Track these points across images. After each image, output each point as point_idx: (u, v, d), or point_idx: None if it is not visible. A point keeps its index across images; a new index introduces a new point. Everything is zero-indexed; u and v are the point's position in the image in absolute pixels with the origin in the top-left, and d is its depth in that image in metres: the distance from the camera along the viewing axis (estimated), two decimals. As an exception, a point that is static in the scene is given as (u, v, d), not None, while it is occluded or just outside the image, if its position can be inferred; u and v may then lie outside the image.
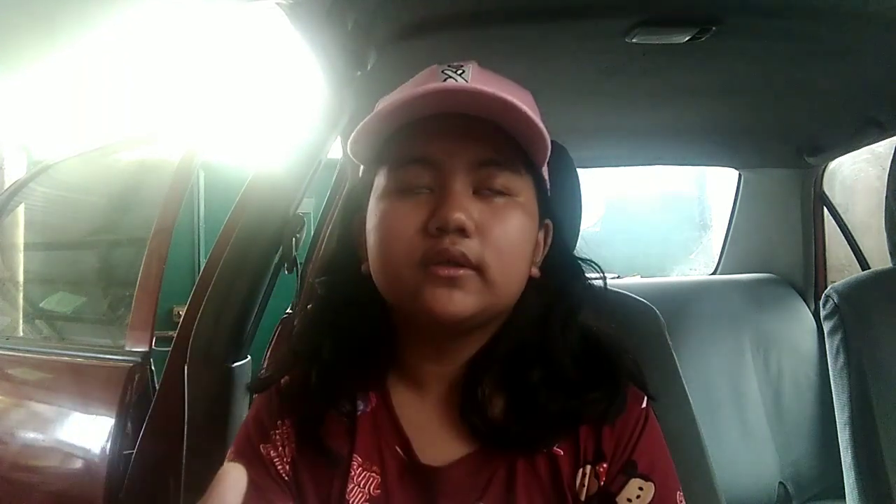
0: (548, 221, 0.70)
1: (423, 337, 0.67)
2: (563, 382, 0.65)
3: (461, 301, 0.60)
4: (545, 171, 0.70)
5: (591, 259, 0.73)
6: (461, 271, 0.60)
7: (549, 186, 0.70)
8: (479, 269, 0.60)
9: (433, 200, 0.61)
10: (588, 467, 0.66)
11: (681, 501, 0.67)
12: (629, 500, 0.65)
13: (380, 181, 0.65)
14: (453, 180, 0.61)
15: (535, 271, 0.68)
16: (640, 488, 0.65)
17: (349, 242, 0.70)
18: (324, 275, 0.73)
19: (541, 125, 0.60)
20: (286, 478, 0.67)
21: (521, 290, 0.65)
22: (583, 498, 0.65)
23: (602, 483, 0.65)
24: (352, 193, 0.72)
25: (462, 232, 0.59)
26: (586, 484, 0.65)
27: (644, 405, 0.69)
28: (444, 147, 0.62)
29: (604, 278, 0.73)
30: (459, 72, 0.64)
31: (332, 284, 0.72)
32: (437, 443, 0.66)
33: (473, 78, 0.64)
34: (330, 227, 1.76)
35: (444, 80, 0.64)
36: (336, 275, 0.72)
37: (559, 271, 0.70)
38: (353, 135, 0.63)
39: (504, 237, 0.62)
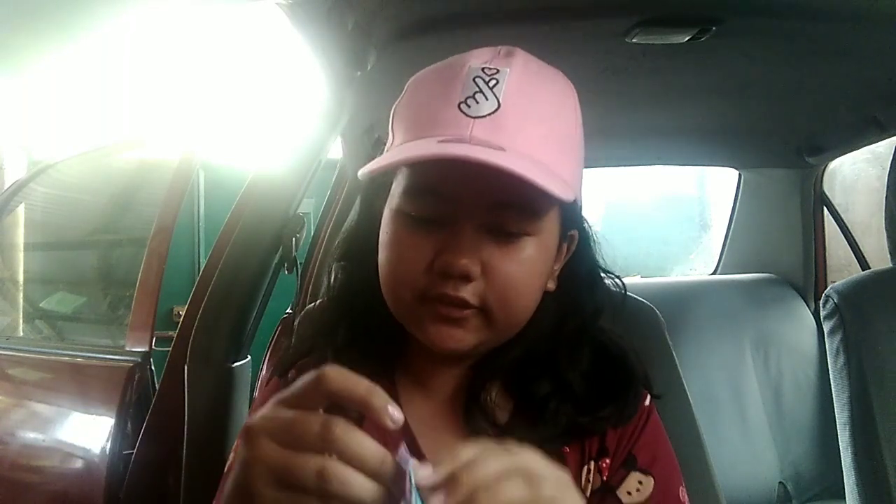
0: (573, 232, 0.68)
1: None
2: (572, 397, 0.65)
3: (461, 338, 0.61)
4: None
5: (612, 272, 0.72)
6: (464, 312, 0.60)
7: (580, 197, 0.66)
8: (481, 309, 0.60)
9: (443, 237, 0.59)
10: (592, 463, 0.66)
11: (683, 497, 0.68)
12: (629, 493, 0.65)
13: (396, 191, 0.63)
14: (464, 221, 0.58)
15: (552, 286, 0.66)
16: (640, 482, 0.66)
17: (369, 231, 0.67)
18: (342, 260, 0.73)
19: (552, 190, 0.55)
20: None
21: (530, 315, 0.64)
22: (587, 493, 0.65)
23: (605, 478, 0.66)
24: (372, 184, 0.69)
25: (466, 278, 0.58)
26: (591, 479, 0.66)
27: (647, 402, 0.70)
28: (461, 181, 0.58)
29: (623, 288, 0.72)
30: (492, 83, 0.58)
31: (350, 271, 0.71)
32: (442, 442, 0.65)
33: (508, 90, 0.58)
34: (333, 220, 1.75)
35: (473, 93, 0.58)
36: (354, 262, 0.71)
37: (576, 282, 0.68)
38: (369, 167, 0.60)
39: (511, 279, 0.60)
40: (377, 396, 0.43)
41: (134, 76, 3.85)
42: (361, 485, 0.42)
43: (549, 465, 0.45)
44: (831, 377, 1.28)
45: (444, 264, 0.58)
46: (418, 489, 0.43)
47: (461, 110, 0.58)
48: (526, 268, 0.60)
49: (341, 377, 0.44)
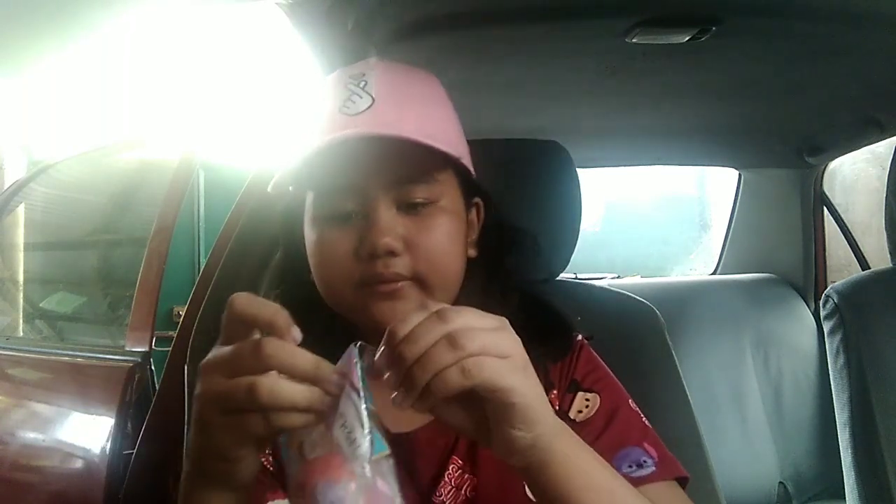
0: (477, 200, 0.74)
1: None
2: None
3: (404, 311, 0.63)
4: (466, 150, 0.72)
5: (525, 228, 0.78)
6: (399, 284, 0.64)
7: (472, 169, 0.71)
8: (415, 279, 0.65)
9: (361, 225, 0.64)
10: None
11: (634, 406, 0.73)
12: (579, 411, 0.71)
13: (309, 204, 0.68)
14: (376, 204, 0.64)
15: (472, 252, 0.72)
16: (587, 399, 0.72)
17: (297, 253, 0.72)
18: (279, 286, 0.77)
19: (436, 145, 0.61)
20: (271, 469, 0.68)
21: (461, 278, 0.69)
22: None
23: (557, 408, 0.71)
24: (289, 209, 0.74)
25: (391, 254, 0.63)
26: None
27: (579, 338, 0.77)
28: (363, 172, 0.64)
29: (535, 246, 0.78)
30: (362, 84, 0.66)
31: (286, 291, 0.76)
32: (402, 414, 0.66)
33: (377, 87, 0.65)
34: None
35: (349, 96, 0.65)
36: (289, 284, 0.75)
37: (494, 246, 0.74)
38: (276, 179, 0.66)
39: (432, 246, 0.65)
40: (280, 317, 0.49)
41: (134, 76, 3.85)
42: (291, 390, 0.46)
43: (482, 318, 0.50)
44: (831, 377, 1.29)
45: (370, 246, 0.63)
46: (365, 380, 0.47)
47: (343, 112, 0.65)
48: (442, 233, 0.66)
49: (246, 301, 0.49)
